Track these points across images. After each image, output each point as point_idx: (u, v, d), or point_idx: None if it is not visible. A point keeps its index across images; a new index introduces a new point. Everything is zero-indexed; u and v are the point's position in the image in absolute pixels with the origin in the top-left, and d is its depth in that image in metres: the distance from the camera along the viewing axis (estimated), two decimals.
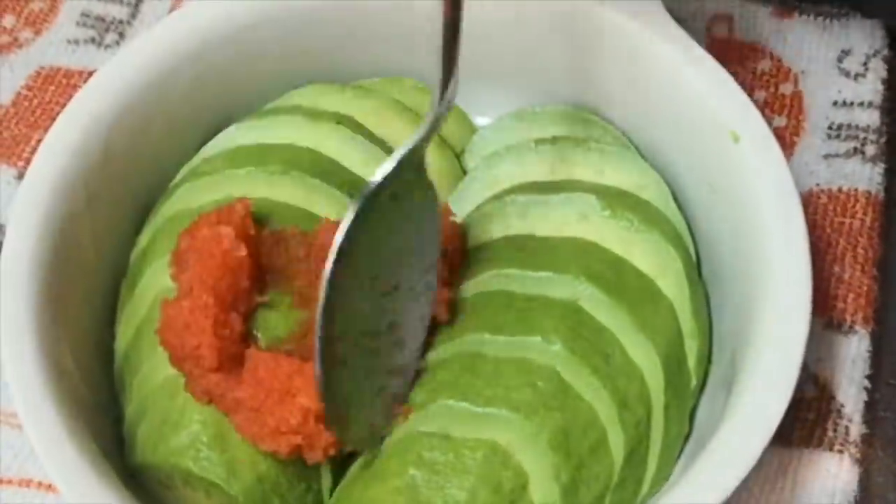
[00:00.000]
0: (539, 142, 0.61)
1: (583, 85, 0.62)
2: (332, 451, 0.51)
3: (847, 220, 0.64)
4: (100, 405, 0.55)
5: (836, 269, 0.63)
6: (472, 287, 0.56)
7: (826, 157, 0.67)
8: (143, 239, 0.58)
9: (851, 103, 0.69)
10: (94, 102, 0.57)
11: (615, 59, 0.60)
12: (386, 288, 0.51)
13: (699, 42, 0.69)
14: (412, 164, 0.50)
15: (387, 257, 0.51)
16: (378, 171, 0.49)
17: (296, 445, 0.50)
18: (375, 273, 0.51)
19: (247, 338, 0.52)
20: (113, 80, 0.58)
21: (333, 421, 0.50)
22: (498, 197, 0.59)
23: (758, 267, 0.54)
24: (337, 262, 0.48)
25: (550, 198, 0.57)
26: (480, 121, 0.66)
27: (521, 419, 0.51)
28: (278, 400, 0.50)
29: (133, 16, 0.73)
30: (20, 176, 0.67)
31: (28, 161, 0.66)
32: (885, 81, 0.69)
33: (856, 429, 0.59)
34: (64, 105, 0.60)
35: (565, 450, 0.51)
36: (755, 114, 0.56)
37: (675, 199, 0.59)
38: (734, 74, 0.69)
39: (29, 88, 0.70)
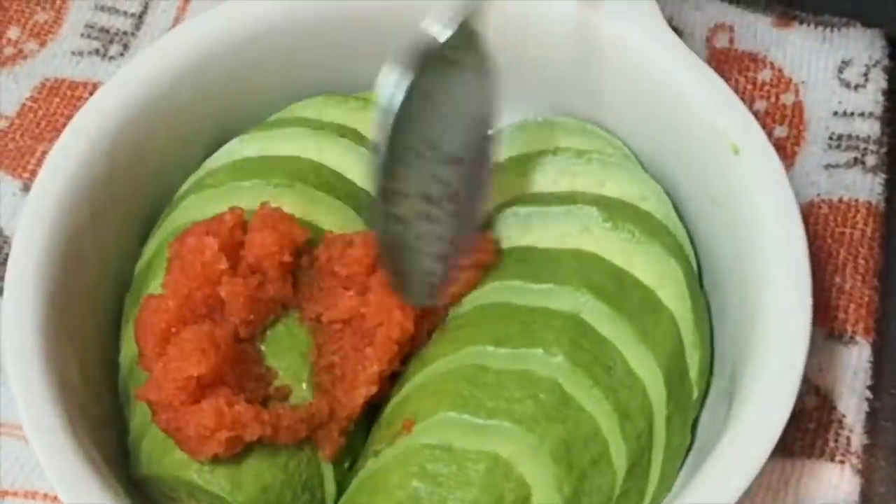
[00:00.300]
0: (541, 153, 0.61)
1: (584, 96, 0.62)
2: (267, 427, 0.51)
3: (848, 231, 0.65)
4: (105, 417, 0.55)
5: (837, 279, 0.63)
6: (473, 299, 0.56)
7: (827, 167, 0.67)
8: (148, 251, 0.59)
9: (852, 113, 0.69)
10: (98, 115, 0.58)
11: (615, 71, 0.60)
12: (444, 157, 0.52)
13: (700, 52, 0.70)
14: (467, 31, 0.50)
15: (444, 124, 0.51)
16: (433, 30, 0.49)
17: (230, 438, 0.50)
18: (433, 139, 0.51)
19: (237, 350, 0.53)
20: (117, 93, 0.58)
21: (392, 273, 0.51)
22: (500, 208, 0.59)
23: (758, 278, 0.54)
24: (395, 116, 0.48)
25: (552, 209, 0.58)
26: None
27: (523, 431, 0.51)
28: (185, 408, 0.50)
29: (137, 27, 0.73)
30: (25, 188, 0.67)
31: (33, 173, 0.67)
32: (885, 92, 0.69)
33: (857, 439, 0.59)
34: (69, 117, 0.61)
35: (567, 462, 0.51)
36: (755, 126, 0.56)
37: (676, 210, 0.59)
38: (735, 84, 0.70)
39: (34, 100, 0.70)
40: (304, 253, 0.55)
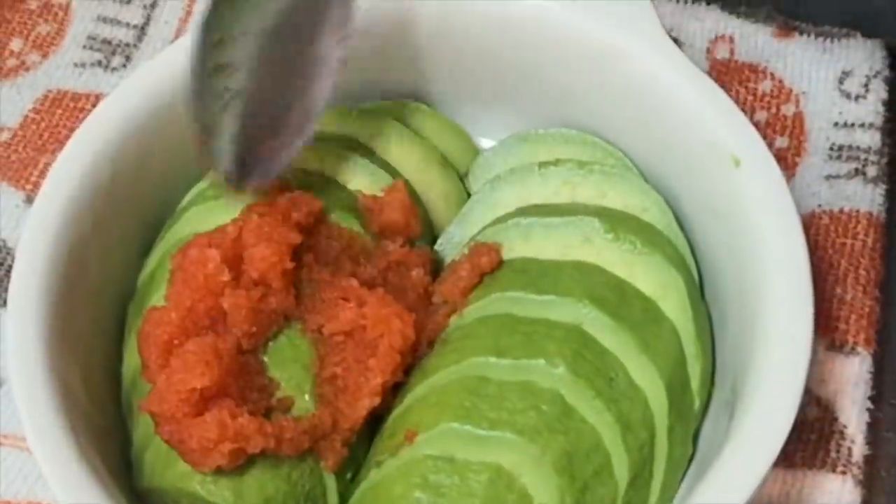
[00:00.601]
0: (543, 164, 0.61)
1: (585, 108, 0.63)
2: (270, 440, 0.51)
3: (849, 241, 0.65)
4: (108, 429, 0.56)
5: (839, 290, 0.63)
6: (475, 310, 0.56)
7: (828, 178, 0.67)
8: (151, 262, 0.59)
9: (852, 124, 0.69)
10: (101, 127, 0.58)
11: (616, 82, 0.60)
12: (271, 31, 0.53)
13: (700, 63, 0.70)
14: None
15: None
16: None
17: (233, 451, 0.50)
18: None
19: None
20: (120, 105, 0.59)
21: (204, 149, 0.53)
22: (501, 220, 0.59)
23: (759, 289, 0.54)
24: None
25: (553, 221, 0.58)
26: (484, 143, 0.67)
27: (525, 442, 0.51)
28: (188, 420, 0.50)
29: (139, 38, 0.74)
30: (28, 199, 0.67)
31: (36, 185, 0.67)
32: (885, 103, 0.69)
33: (858, 450, 0.59)
34: (71, 128, 0.61)
35: (570, 473, 0.51)
36: (756, 137, 0.57)
37: (678, 221, 0.60)
38: (736, 95, 0.70)
39: (36, 112, 0.71)
40: (313, 233, 0.56)
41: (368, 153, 0.62)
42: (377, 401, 0.53)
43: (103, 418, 0.55)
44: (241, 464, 0.51)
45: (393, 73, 0.64)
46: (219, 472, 0.51)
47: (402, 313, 0.53)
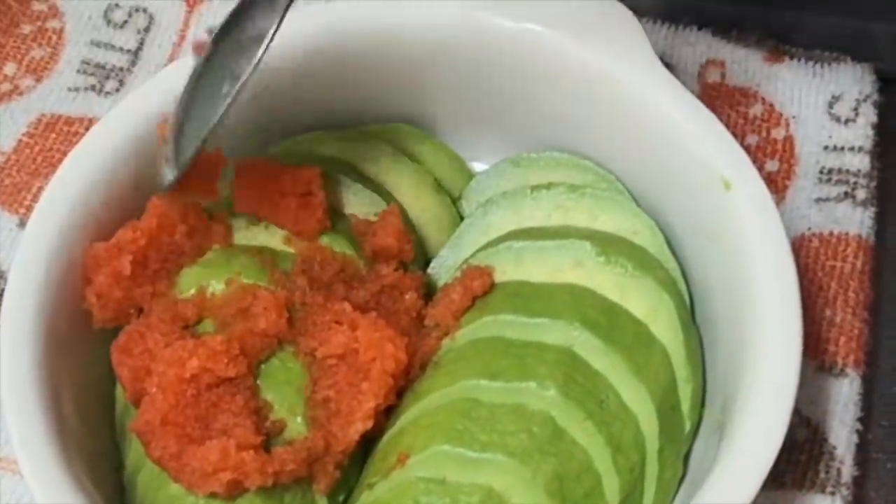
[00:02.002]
0: (535, 188, 0.61)
1: (577, 131, 0.63)
2: (269, 478, 0.51)
3: (838, 264, 0.65)
4: (101, 452, 0.56)
5: (828, 312, 0.64)
6: (467, 333, 0.56)
7: (818, 200, 0.68)
8: None
9: (842, 148, 0.69)
10: (94, 152, 0.58)
11: (607, 106, 0.61)
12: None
13: (691, 87, 0.71)
14: None
15: None
16: None
17: (231, 481, 0.50)
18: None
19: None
20: (113, 130, 0.59)
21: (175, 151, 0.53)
22: (494, 243, 0.60)
23: (750, 312, 0.54)
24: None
25: (545, 244, 0.58)
26: (477, 166, 0.67)
27: (516, 464, 0.52)
28: (190, 443, 0.51)
29: (133, 63, 0.74)
30: (21, 223, 0.67)
31: (29, 209, 0.67)
32: (875, 126, 0.70)
33: (848, 471, 0.59)
34: (65, 153, 0.61)
35: (561, 495, 0.52)
36: (746, 161, 0.57)
37: (669, 244, 0.60)
38: (727, 119, 0.70)
39: (30, 136, 0.71)
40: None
41: (362, 177, 0.62)
42: (370, 424, 0.53)
43: (96, 441, 0.55)
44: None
45: (386, 97, 0.65)
46: (212, 495, 0.51)
47: (395, 337, 0.53)
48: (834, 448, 0.60)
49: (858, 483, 0.60)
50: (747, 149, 0.69)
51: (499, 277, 0.58)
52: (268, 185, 0.58)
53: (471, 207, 0.64)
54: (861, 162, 0.69)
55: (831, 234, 0.66)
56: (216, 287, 0.55)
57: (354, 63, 0.62)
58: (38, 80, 0.73)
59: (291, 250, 0.58)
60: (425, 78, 0.64)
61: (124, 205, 0.59)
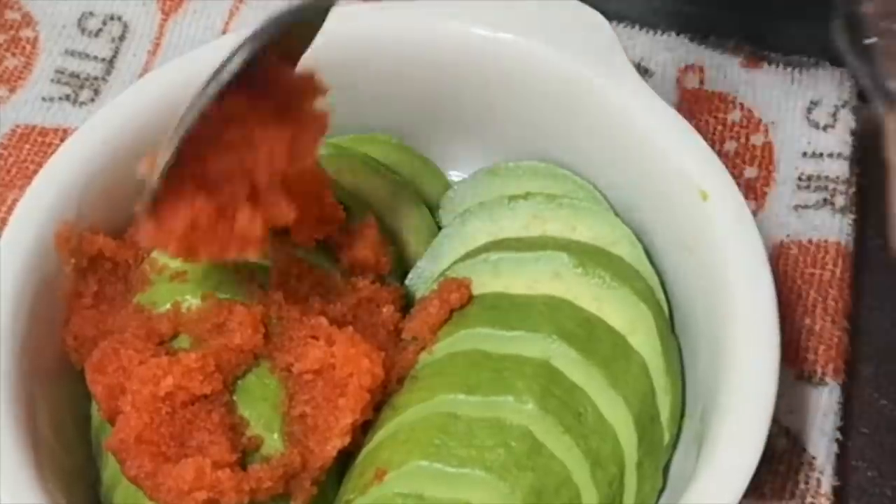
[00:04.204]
0: (512, 198, 0.61)
1: (554, 140, 0.63)
2: (245, 496, 0.50)
3: (817, 272, 0.65)
4: (76, 469, 0.55)
5: (807, 320, 0.63)
6: (445, 347, 0.56)
7: (796, 207, 0.67)
8: None
9: (821, 154, 0.69)
10: (69, 164, 0.58)
11: (582, 115, 0.60)
12: None
13: (669, 93, 0.71)
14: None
15: None
16: None
17: (206, 500, 0.50)
18: None
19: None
20: (88, 141, 0.58)
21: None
22: (472, 254, 0.59)
23: (727, 322, 0.54)
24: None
25: (523, 255, 0.58)
26: (455, 176, 0.67)
27: (494, 479, 0.51)
28: (168, 465, 0.50)
29: (108, 72, 0.73)
30: None
31: (3, 221, 0.66)
32: (853, 132, 0.70)
33: (827, 480, 0.59)
34: (39, 164, 0.61)
35: None
36: (723, 171, 0.57)
37: (648, 254, 0.60)
38: (705, 125, 0.70)
39: (4, 147, 0.70)
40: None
41: (338, 187, 0.62)
42: (347, 440, 0.52)
43: (72, 458, 0.55)
44: None
45: (362, 106, 0.64)
46: None
47: (372, 352, 0.53)
48: (813, 458, 0.60)
49: (839, 491, 0.60)
50: (726, 155, 0.69)
51: (476, 290, 0.58)
52: None
53: (448, 217, 0.64)
54: (840, 168, 0.68)
55: (810, 241, 0.66)
56: (192, 302, 0.55)
57: (329, 74, 0.61)
58: (12, 90, 0.73)
59: (268, 263, 0.57)
60: (401, 87, 0.63)
61: (99, 216, 0.58)
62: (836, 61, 0.72)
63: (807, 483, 0.59)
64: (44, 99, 0.72)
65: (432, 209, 0.65)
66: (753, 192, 0.68)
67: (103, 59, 0.74)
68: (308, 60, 0.61)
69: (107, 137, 0.59)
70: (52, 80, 0.73)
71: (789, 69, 0.72)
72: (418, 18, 0.62)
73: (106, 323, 0.56)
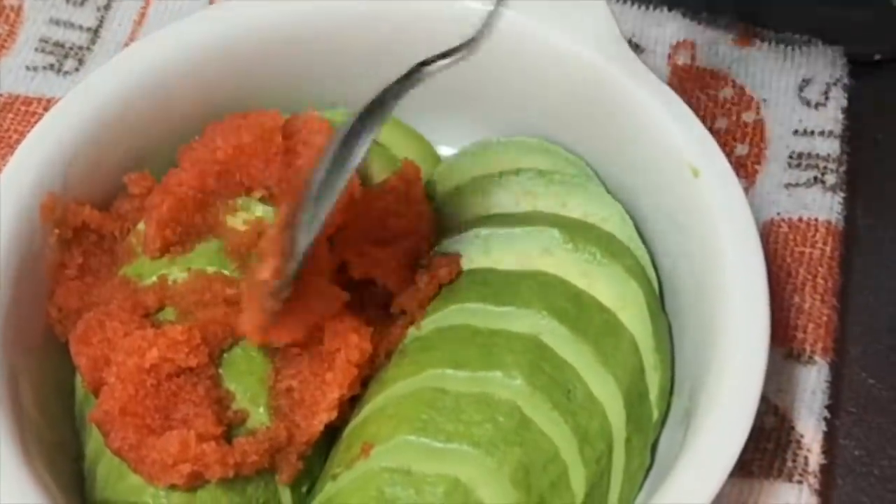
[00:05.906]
0: (503, 173, 0.61)
1: (545, 115, 0.62)
2: (230, 469, 0.50)
3: (807, 250, 0.65)
4: (60, 443, 0.55)
5: (797, 299, 0.63)
6: (434, 321, 0.56)
7: (787, 185, 0.67)
8: None
9: (812, 132, 0.69)
10: (53, 134, 0.57)
11: (573, 91, 0.60)
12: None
13: (661, 69, 0.70)
14: None
15: None
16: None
17: (191, 473, 0.50)
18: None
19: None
20: (72, 111, 0.58)
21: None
22: (462, 229, 0.59)
23: (717, 299, 0.54)
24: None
25: (513, 231, 0.57)
26: (445, 151, 0.66)
27: (482, 454, 0.51)
28: (152, 438, 0.50)
29: (93, 41, 0.73)
30: None
31: None
32: (845, 111, 0.69)
33: (815, 459, 0.59)
34: (23, 133, 0.60)
35: (526, 485, 0.51)
36: (714, 148, 0.57)
37: (638, 231, 0.59)
38: (696, 102, 0.70)
39: None
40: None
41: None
42: (334, 415, 0.52)
43: (55, 432, 0.55)
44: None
45: (352, 80, 0.64)
46: (172, 486, 0.50)
47: (360, 327, 0.53)
48: (801, 436, 0.60)
49: (826, 470, 0.59)
50: (717, 132, 0.68)
51: (466, 265, 0.57)
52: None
53: (439, 192, 0.63)
54: (831, 146, 0.68)
55: (801, 219, 0.66)
56: (178, 275, 0.55)
57: (317, 46, 0.61)
58: None
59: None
60: (390, 61, 0.63)
61: (84, 187, 0.58)
62: (828, 39, 0.71)
63: (794, 461, 0.59)
64: (28, 68, 0.71)
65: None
66: (744, 169, 0.68)
67: (88, 29, 0.73)
68: (298, 34, 0.61)
69: (92, 107, 0.58)
70: (36, 49, 0.72)
71: (781, 47, 0.72)
72: None
73: (91, 295, 0.55)
